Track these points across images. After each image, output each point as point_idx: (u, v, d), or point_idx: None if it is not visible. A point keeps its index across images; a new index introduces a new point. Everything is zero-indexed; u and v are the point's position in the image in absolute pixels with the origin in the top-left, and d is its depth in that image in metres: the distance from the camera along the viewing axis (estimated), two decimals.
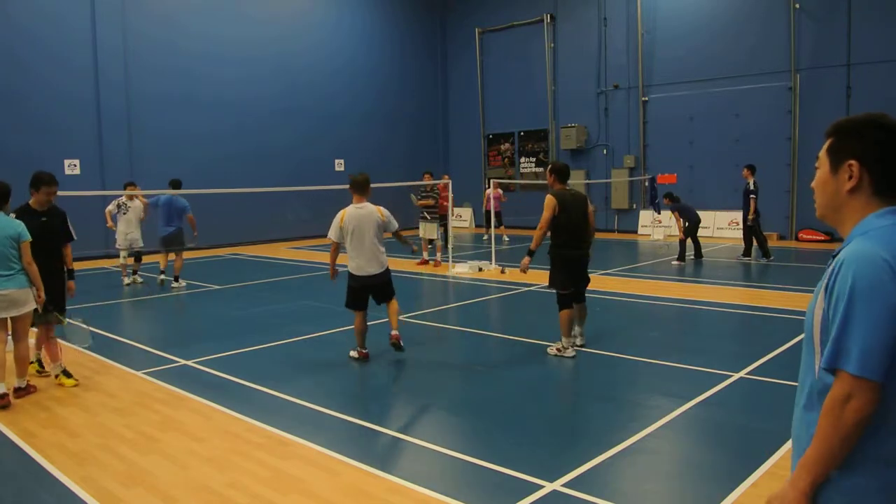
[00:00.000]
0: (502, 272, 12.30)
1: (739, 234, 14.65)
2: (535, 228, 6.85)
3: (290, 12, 19.64)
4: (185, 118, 17.06)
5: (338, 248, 6.59)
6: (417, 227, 13.84)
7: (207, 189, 12.55)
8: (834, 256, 1.68)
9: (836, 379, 1.55)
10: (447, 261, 13.10)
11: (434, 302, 10.11)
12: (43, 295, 5.70)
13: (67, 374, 6.13)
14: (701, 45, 18.14)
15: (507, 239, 18.22)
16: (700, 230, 13.81)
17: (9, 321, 5.63)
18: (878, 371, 1.50)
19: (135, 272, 12.07)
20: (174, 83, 16.85)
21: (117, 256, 12.37)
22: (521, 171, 22.81)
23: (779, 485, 4.01)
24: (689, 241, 13.36)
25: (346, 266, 6.67)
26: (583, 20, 20.69)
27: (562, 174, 6.82)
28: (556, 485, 3.88)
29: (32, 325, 6.00)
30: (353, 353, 6.69)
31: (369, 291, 6.60)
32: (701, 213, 14.18)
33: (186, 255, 12.08)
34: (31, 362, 6.26)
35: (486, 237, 17.26)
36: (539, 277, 11.80)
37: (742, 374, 6.00)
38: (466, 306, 9.84)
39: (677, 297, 9.88)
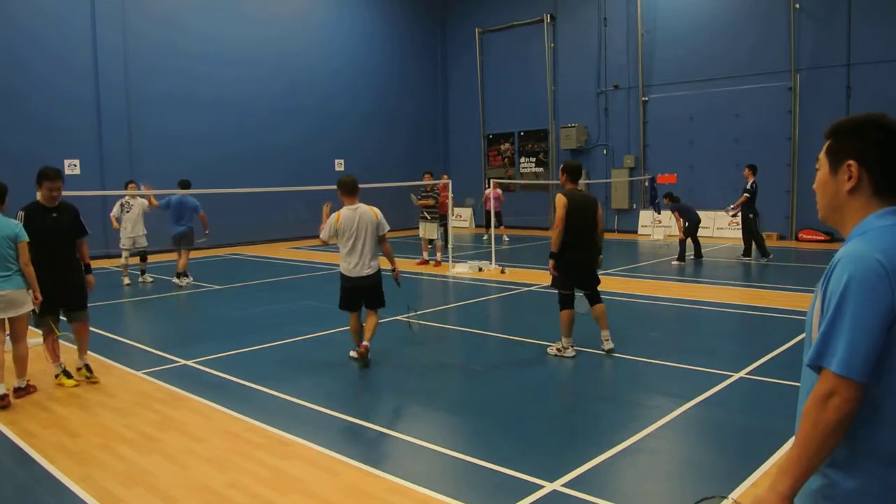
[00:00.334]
0: (502, 272, 12.30)
1: (739, 234, 14.67)
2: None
3: (290, 12, 19.63)
4: (185, 118, 17.05)
5: (326, 244, 6.60)
6: (418, 227, 13.84)
7: (207, 189, 12.55)
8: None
9: (820, 376, 1.55)
10: (447, 261, 13.10)
11: (434, 302, 10.11)
12: (39, 296, 5.68)
13: (68, 375, 6.13)
14: (701, 45, 18.14)
15: (507, 239, 18.21)
16: (700, 230, 13.82)
17: (7, 322, 5.63)
18: (862, 371, 1.49)
19: (143, 272, 12.07)
20: (174, 83, 16.85)
21: (118, 256, 12.38)
22: (521, 171, 22.81)
23: None
24: (689, 241, 13.37)
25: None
26: (583, 20, 20.69)
27: (574, 173, 6.79)
28: (556, 485, 3.88)
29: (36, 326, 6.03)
30: (353, 353, 6.65)
31: (361, 293, 6.54)
32: (701, 213, 14.19)
33: (190, 254, 12.10)
34: (79, 368, 6.19)
35: (485, 237, 17.27)
36: (539, 277, 11.81)
37: (742, 374, 6.00)
38: (466, 306, 9.84)
39: (677, 297, 9.88)
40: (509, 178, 22.60)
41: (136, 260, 11.99)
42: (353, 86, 21.10)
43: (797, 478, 1.55)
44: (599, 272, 6.97)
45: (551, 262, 6.62)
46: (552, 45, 21.45)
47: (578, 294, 6.68)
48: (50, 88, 14.86)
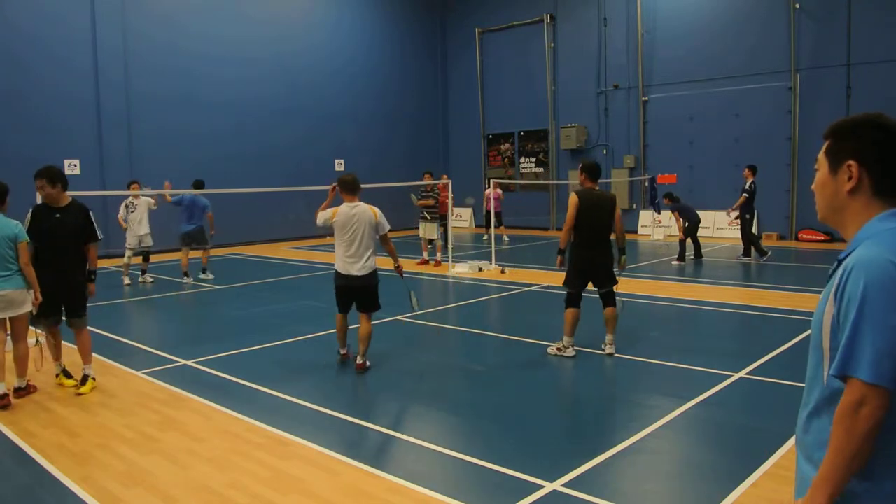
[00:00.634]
0: (502, 272, 12.30)
1: (739, 234, 14.67)
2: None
3: (290, 12, 19.63)
4: (185, 118, 17.05)
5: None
6: (418, 227, 13.84)
7: (207, 189, 12.54)
8: (839, 260, 1.66)
9: (847, 386, 1.52)
10: (447, 261, 13.10)
11: (434, 302, 10.10)
12: (39, 297, 5.67)
13: (67, 375, 6.12)
14: (701, 45, 18.14)
15: (507, 239, 18.22)
16: (700, 230, 13.83)
17: (7, 322, 5.64)
18: (890, 377, 1.48)
19: (143, 272, 12.07)
20: (174, 83, 16.84)
21: (120, 256, 12.38)
22: (521, 171, 22.81)
23: (779, 485, 4.00)
24: (688, 241, 13.38)
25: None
26: (583, 20, 20.69)
27: (592, 172, 6.75)
28: (556, 485, 3.88)
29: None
30: (339, 358, 6.69)
31: (354, 294, 6.36)
32: (701, 213, 14.19)
33: (191, 254, 12.12)
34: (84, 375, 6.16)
35: (485, 237, 17.26)
36: (539, 277, 11.81)
37: (742, 374, 6.00)
38: (466, 306, 9.84)
39: (677, 297, 9.88)
40: (509, 178, 22.61)
41: (139, 260, 12.00)
42: (353, 86, 21.10)
43: (833, 490, 1.54)
44: (619, 273, 6.97)
45: (558, 257, 6.79)
46: (552, 45, 21.45)
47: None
48: (50, 88, 14.86)
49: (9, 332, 5.68)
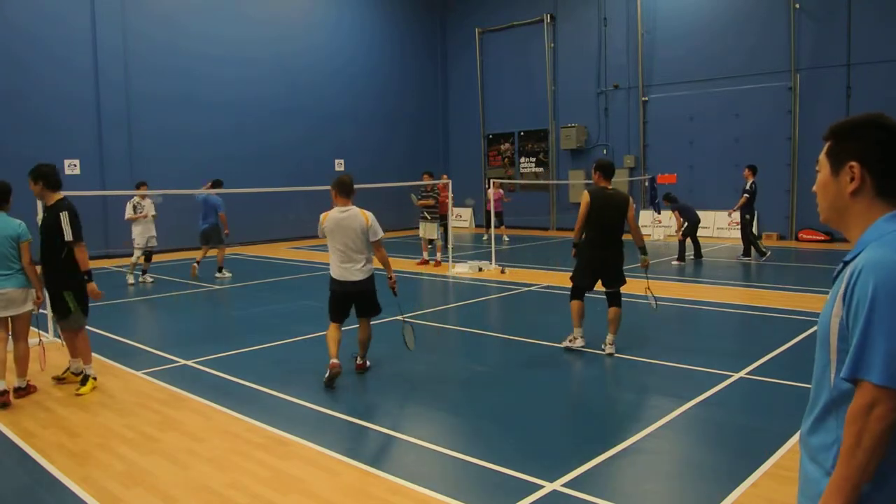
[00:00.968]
0: (502, 272, 12.30)
1: (739, 234, 14.66)
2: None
3: (290, 12, 19.63)
4: (185, 118, 17.05)
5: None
6: (418, 227, 13.84)
7: (207, 189, 12.55)
8: (845, 262, 1.65)
9: (858, 389, 1.51)
10: (447, 261, 13.10)
11: (434, 302, 10.11)
12: (41, 295, 5.68)
13: (76, 374, 6.12)
14: (701, 45, 18.14)
15: (507, 239, 18.22)
16: (700, 230, 13.84)
17: (9, 321, 5.64)
18: None
19: (144, 272, 12.09)
20: (174, 83, 16.85)
21: (119, 256, 12.39)
22: (521, 171, 22.81)
23: (779, 485, 3.99)
24: (688, 241, 13.38)
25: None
26: (583, 20, 20.69)
27: (606, 171, 6.79)
28: (556, 485, 3.88)
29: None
30: (327, 375, 5.84)
31: (351, 300, 6.09)
32: (701, 213, 14.20)
33: (191, 254, 12.14)
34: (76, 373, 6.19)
35: (485, 237, 17.27)
36: (539, 277, 11.82)
37: (742, 374, 6.00)
38: (466, 306, 9.84)
39: (677, 297, 9.88)
40: (509, 178, 22.61)
41: (142, 259, 12.01)
42: (353, 86, 21.11)
43: (848, 495, 1.52)
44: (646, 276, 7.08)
45: (573, 250, 6.86)
46: (552, 45, 21.45)
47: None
48: (50, 88, 14.86)
49: (10, 331, 5.69)
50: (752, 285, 11.19)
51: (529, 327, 8.08)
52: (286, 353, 7.17)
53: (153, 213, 11.80)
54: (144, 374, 6.41)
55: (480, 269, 12.55)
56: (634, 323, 8.09)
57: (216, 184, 12.28)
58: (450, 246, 13.16)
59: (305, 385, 5.96)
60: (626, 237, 6.90)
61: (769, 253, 13.35)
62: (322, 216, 6.05)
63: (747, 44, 17.40)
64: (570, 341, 6.88)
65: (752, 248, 13.35)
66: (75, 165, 15.21)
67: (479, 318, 9.15)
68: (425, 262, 13.68)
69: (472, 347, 7.55)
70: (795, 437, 4.46)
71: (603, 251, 6.68)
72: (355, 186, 6.16)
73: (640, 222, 19.51)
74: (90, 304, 6.01)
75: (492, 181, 15.24)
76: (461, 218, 23.21)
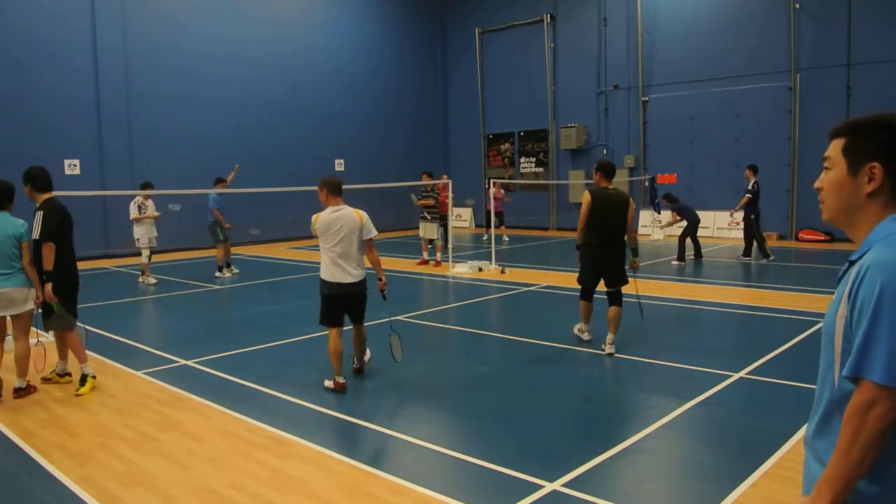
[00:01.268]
0: (502, 272, 12.30)
1: (739, 234, 14.65)
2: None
3: (290, 12, 19.63)
4: (185, 118, 17.05)
5: None
6: (418, 227, 13.84)
7: (208, 189, 12.56)
8: (851, 261, 1.64)
9: (859, 387, 1.51)
10: (447, 261, 13.10)
11: (434, 302, 10.11)
12: (40, 295, 5.67)
13: (61, 375, 6.13)
14: (701, 45, 18.14)
15: (507, 239, 18.22)
16: (700, 230, 13.83)
17: (8, 320, 5.63)
18: None
19: (142, 272, 12.09)
20: (174, 83, 16.85)
21: (118, 257, 12.40)
22: (521, 171, 22.82)
23: (779, 485, 3.99)
24: (688, 241, 13.38)
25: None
26: (583, 20, 20.69)
27: (607, 171, 6.83)
28: (556, 485, 3.88)
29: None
30: (328, 384, 5.80)
31: (344, 303, 5.90)
32: (701, 213, 14.20)
33: (190, 254, 12.15)
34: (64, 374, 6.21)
35: (485, 237, 17.27)
36: (539, 277, 11.81)
37: (742, 374, 6.00)
38: (466, 306, 9.84)
39: (677, 297, 9.88)
40: (509, 178, 22.61)
41: (139, 259, 12.01)
42: (353, 86, 21.11)
43: (838, 492, 1.52)
44: (632, 275, 7.08)
45: (579, 253, 7.00)
46: (552, 45, 21.45)
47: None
48: (50, 88, 14.86)
49: (9, 331, 5.68)
50: (752, 285, 11.19)
51: (529, 327, 8.08)
52: (286, 353, 7.17)
53: (156, 213, 11.81)
54: (144, 374, 6.41)
55: (480, 269, 12.55)
56: (634, 323, 8.08)
57: (216, 181, 12.52)
58: (450, 246, 13.16)
59: (305, 385, 5.96)
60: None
61: (772, 256, 13.32)
62: (314, 217, 5.89)
63: (747, 44, 17.39)
64: (580, 331, 7.27)
65: (759, 248, 13.31)
66: (75, 165, 15.21)
67: (479, 318, 9.15)
68: (425, 262, 13.68)
69: (472, 347, 7.55)
70: (795, 437, 4.46)
71: (604, 251, 6.75)
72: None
73: (641, 222, 19.61)
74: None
75: (492, 181, 15.24)
76: (461, 218, 23.21)
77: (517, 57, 22.25)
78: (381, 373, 6.39)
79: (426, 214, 13.38)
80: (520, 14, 21.99)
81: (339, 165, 20.64)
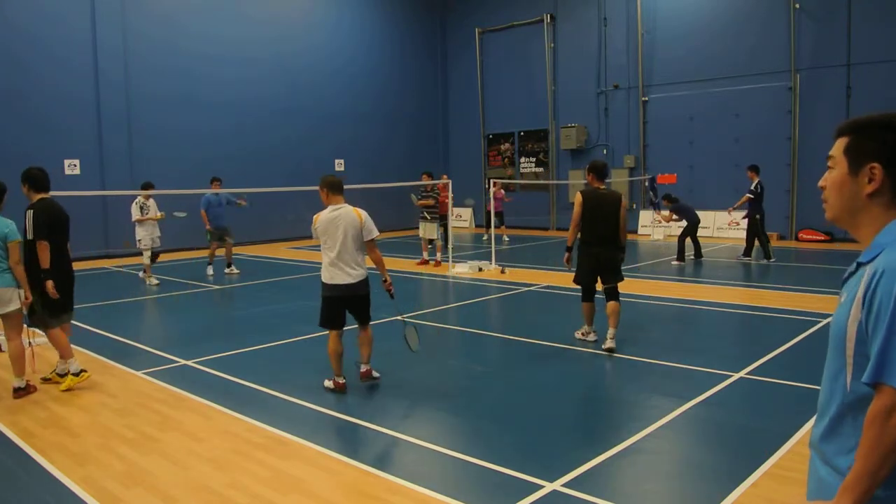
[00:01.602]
0: (502, 272, 12.30)
1: (739, 234, 14.65)
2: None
3: (290, 12, 19.63)
4: (185, 118, 17.05)
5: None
6: (418, 227, 13.84)
7: (205, 189, 12.57)
8: (859, 263, 1.62)
9: (879, 393, 1.49)
10: (447, 261, 13.10)
11: (434, 302, 10.11)
12: (29, 296, 5.67)
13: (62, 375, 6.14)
14: (701, 45, 18.14)
15: (507, 239, 18.22)
16: (700, 230, 13.83)
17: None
18: None
19: (145, 270, 12.09)
20: (174, 83, 16.85)
21: (118, 257, 12.41)
22: (521, 171, 22.82)
23: (779, 485, 3.99)
24: (688, 240, 13.38)
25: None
26: (583, 20, 20.69)
27: (599, 172, 6.99)
28: (556, 485, 3.88)
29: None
30: (328, 384, 5.81)
31: (345, 305, 5.80)
32: (701, 214, 14.20)
33: (191, 254, 12.17)
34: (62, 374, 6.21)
35: (485, 237, 17.27)
36: (539, 277, 11.82)
37: (742, 374, 6.00)
38: (466, 306, 9.84)
39: (677, 297, 9.88)
40: (509, 178, 22.61)
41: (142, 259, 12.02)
42: (352, 86, 21.11)
43: (859, 497, 1.50)
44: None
45: (566, 253, 7.11)
46: (552, 45, 21.45)
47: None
48: (50, 88, 14.86)
49: (1, 331, 5.67)
50: (752, 285, 11.19)
51: (529, 327, 8.08)
52: (286, 353, 7.17)
53: (158, 214, 11.80)
54: (144, 374, 6.41)
55: (480, 269, 12.55)
56: (635, 322, 8.10)
57: (212, 181, 12.65)
58: (450, 246, 13.16)
59: (306, 385, 5.96)
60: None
61: (774, 258, 13.31)
62: (315, 217, 5.84)
63: (747, 44, 17.39)
64: (583, 335, 7.22)
65: (762, 248, 13.29)
66: (75, 165, 15.21)
67: (479, 318, 9.15)
68: (425, 262, 13.68)
69: (472, 347, 7.55)
70: (795, 438, 4.46)
71: (597, 248, 6.89)
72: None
73: (640, 222, 19.63)
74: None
75: (493, 181, 15.24)
76: (461, 218, 23.21)
77: (517, 57, 22.26)
78: (380, 373, 6.38)
79: (426, 214, 13.38)
80: (520, 14, 21.99)
81: (339, 165, 20.64)
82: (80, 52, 15.30)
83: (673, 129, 18.95)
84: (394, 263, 13.27)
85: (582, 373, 6.44)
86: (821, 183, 1.76)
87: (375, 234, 5.79)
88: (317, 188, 5.98)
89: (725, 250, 15.34)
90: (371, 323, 6.03)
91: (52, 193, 6.26)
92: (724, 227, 17.86)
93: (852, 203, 1.67)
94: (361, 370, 5.91)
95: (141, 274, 11.90)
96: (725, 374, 5.97)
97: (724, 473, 4.05)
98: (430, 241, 13.65)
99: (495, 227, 15.40)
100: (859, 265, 1.62)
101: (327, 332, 5.89)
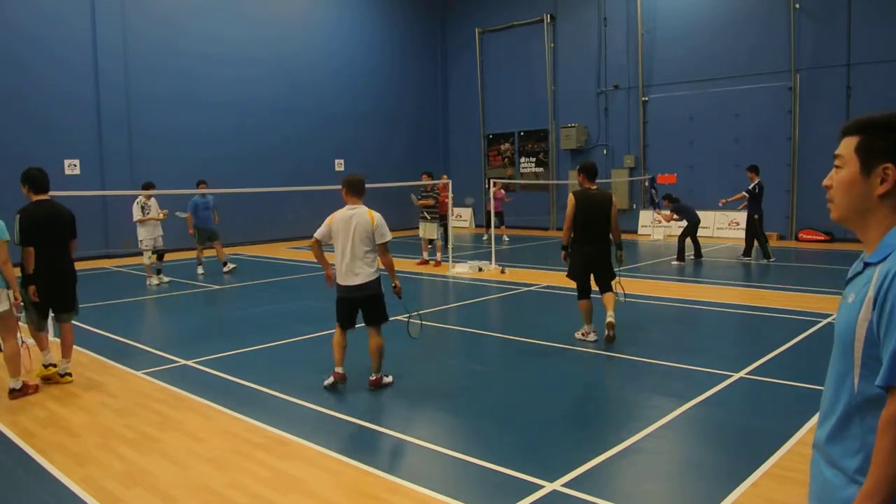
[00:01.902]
0: (502, 272, 12.30)
1: (739, 234, 14.64)
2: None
3: (290, 12, 19.64)
4: (185, 118, 17.06)
5: (319, 244, 5.83)
6: (418, 227, 13.84)
7: (207, 189, 12.56)
8: (867, 263, 1.60)
9: (892, 397, 1.46)
10: (447, 261, 13.10)
11: (434, 302, 10.11)
12: (18, 297, 5.64)
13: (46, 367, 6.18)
14: (701, 45, 18.14)
15: (507, 239, 18.22)
16: (700, 230, 13.83)
17: None
18: None
19: (159, 271, 12.09)
20: (174, 83, 16.85)
21: (118, 257, 12.41)
22: (521, 171, 22.82)
23: (779, 485, 3.99)
24: (688, 240, 13.38)
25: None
26: (583, 20, 20.69)
27: (589, 173, 7.21)
28: (556, 485, 3.88)
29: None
30: (327, 381, 5.81)
31: (355, 305, 5.82)
32: (701, 214, 14.21)
33: (191, 254, 12.21)
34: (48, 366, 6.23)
35: (485, 237, 17.27)
36: (539, 277, 11.82)
37: (742, 374, 6.00)
38: (466, 306, 9.84)
39: (677, 297, 9.88)
40: (509, 178, 22.61)
41: (153, 258, 12.01)
42: (352, 86, 21.11)
43: (880, 503, 1.48)
44: (618, 269, 7.41)
45: (563, 252, 7.28)
46: (552, 45, 21.45)
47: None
48: (50, 88, 14.86)
49: None
50: (752, 285, 11.19)
51: (529, 327, 8.08)
52: (286, 353, 7.17)
53: (159, 214, 11.80)
54: (144, 374, 6.41)
55: (480, 269, 12.55)
56: (635, 322, 8.10)
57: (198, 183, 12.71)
58: (450, 246, 13.16)
59: (306, 385, 5.96)
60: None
61: (773, 258, 13.32)
62: (329, 217, 5.84)
63: (747, 44, 17.39)
64: (584, 335, 7.25)
65: (760, 248, 13.30)
66: (75, 165, 15.21)
67: (479, 318, 9.15)
68: (425, 262, 13.69)
69: (472, 347, 7.55)
70: (795, 438, 4.46)
71: (589, 247, 7.09)
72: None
73: (640, 222, 19.63)
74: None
75: (493, 181, 15.24)
76: (461, 218, 23.22)
77: (517, 57, 22.26)
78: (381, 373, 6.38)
79: (426, 214, 13.38)
80: (520, 14, 21.99)
81: (339, 165, 20.64)
82: (80, 52, 15.30)
83: (673, 129, 18.95)
84: (394, 263, 13.25)
85: (582, 373, 6.44)
86: (826, 182, 1.73)
87: (388, 237, 5.76)
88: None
89: (725, 250, 15.34)
90: (379, 344, 5.85)
91: (52, 193, 6.28)
92: (724, 227, 17.87)
93: (862, 203, 1.64)
94: (371, 378, 5.85)
95: (154, 279, 11.87)
96: (725, 374, 5.97)
97: (724, 473, 4.05)
98: (430, 241, 13.65)
99: (495, 227, 15.40)
100: (867, 265, 1.60)
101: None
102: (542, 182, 21.88)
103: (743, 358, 6.47)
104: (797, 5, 16.54)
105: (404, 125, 22.96)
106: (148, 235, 11.65)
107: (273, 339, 7.61)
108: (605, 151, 20.51)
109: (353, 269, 5.69)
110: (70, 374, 6.20)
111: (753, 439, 4.57)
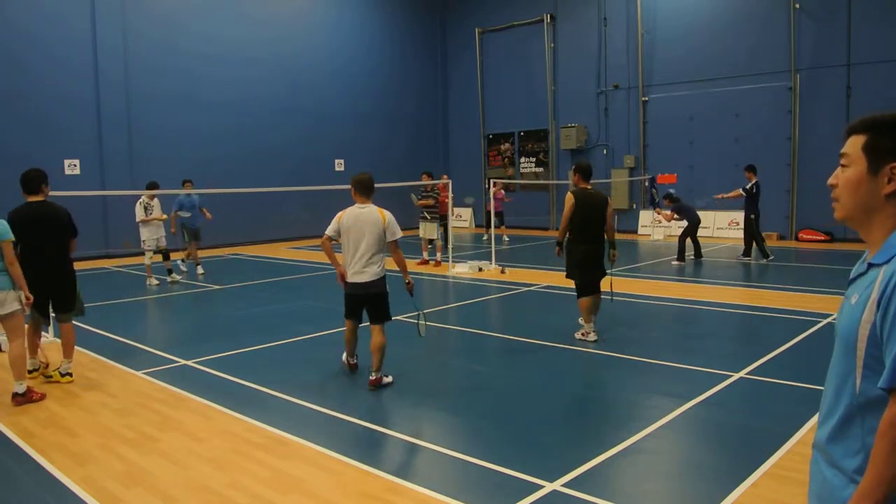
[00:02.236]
0: (502, 272, 12.30)
1: (739, 234, 14.64)
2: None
3: (290, 12, 19.64)
4: (185, 118, 17.05)
5: (330, 242, 5.92)
6: (418, 227, 13.85)
7: (207, 189, 12.56)
8: (871, 264, 1.59)
9: (894, 399, 1.46)
10: (447, 261, 13.10)
11: (434, 302, 10.10)
12: (30, 296, 5.59)
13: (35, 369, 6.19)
14: (701, 45, 18.14)
15: (507, 239, 18.22)
16: (700, 230, 13.83)
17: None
18: None
19: (170, 271, 12.08)
20: (174, 83, 16.85)
21: (118, 256, 12.41)
22: (521, 171, 22.82)
23: (779, 485, 3.99)
24: (688, 240, 13.38)
25: None
26: (583, 20, 20.69)
27: (585, 173, 7.32)
28: (556, 485, 3.88)
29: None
30: (344, 359, 6.36)
31: (361, 303, 5.93)
32: (701, 214, 14.21)
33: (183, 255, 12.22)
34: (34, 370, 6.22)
35: (485, 237, 17.26)
36: (539, 277, 11.82)
37: (742, 374, 6.00)
38: (466, 306, 9.84)
39: (677, 297, 9.88)
40: (509, 178, 22.61)
41: (159, 258, 12.01)
42: (352, 86, 21.11)
43: (876, 503, 1.48)
44: (612, 268, 7.52)
45: (557, 248, 7.48)
46: (552, 45, 21.45)
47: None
48: (50, 88, 14.85)
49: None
50: (752, 285, 11.19)
51: (529, 327, 8.08)
52: (286, 353, 7.17)
53: (161, 214, 11.78)
54: (144, 374, 6.41)
55: (480, 269, 12.55)
56: (635, 322, 8.10)
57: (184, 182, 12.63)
58: (450, 246, 13.16)
59: (305, 385, 5.96)
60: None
61: (772, 256, 13.32)
62: (339, 214, 5.89)
63: (747, 44, 17.39)
64: (584, 335, 7.27)
65: (758, 248, 13.31)
66: (75, 165, 15.21)
67: (479, 318, 9.15)
68: (425, 262, 13.69)
69: (472, 347, 7.55)
70: (795, 437, 4.46)
71: (586, 245, 7.20)
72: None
73: (641, 222, 19.64)
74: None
75: (492, 180, 15.24)
76: (461, 218, 23.22)
77: (517, 57, 22.25)
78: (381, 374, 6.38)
79: (426, 214, 13.38)
80: (520, 14, 21.99)
81: (339, 165, 20.65)
82: (80, 52, 15.29)
83: (673, 129, 18.95)
84: (394, 263, 13.26)
85: (582, 373, 6.44)
86: (831, 181, 1.71)
87: (399, 235, 5.88)
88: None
89: (725, 250, 15.34)
90: (381, 342, 5.85)
91: (52, 193, 6.27)
92: (724, 227, 17.87)
93: (868, 202, 1.63)
94: (371, 378, 5.84)
95: (168, 278, 11.86)
96: (725, 374, 5.97)
97: (724, 473, 4.05)
98: (430, 241, 13.65)
99: (495, 227, 15.40)
100: (871, 266, 1.59)
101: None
102: (542, 182, 21.88)
103: (743, 358, 6.47)
104: (797, 5, 16.54)
105: (404, 125, 22.96)
106: (150, 236, 11.65)
107: (273, 339, 7.61)
108: (605, 151, 20.51)
109: (362, 267, 5.79)
110: (70, 374, 6.19)
111: (753, 439, 4.57)
